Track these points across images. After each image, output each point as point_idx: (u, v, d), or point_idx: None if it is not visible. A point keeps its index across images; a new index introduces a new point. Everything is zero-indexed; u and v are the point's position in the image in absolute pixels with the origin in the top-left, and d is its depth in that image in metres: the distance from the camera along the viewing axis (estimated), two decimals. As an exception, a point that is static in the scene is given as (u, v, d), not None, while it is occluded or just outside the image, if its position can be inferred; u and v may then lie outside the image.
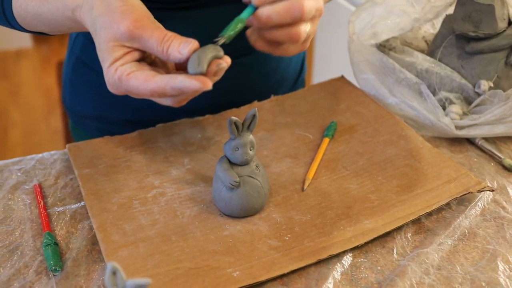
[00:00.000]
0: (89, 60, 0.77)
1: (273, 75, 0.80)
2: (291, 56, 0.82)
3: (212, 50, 0.48)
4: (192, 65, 0.47)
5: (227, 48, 0.73)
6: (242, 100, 0.74)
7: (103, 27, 0.49)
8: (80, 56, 0.78)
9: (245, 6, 0.68)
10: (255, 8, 0.52)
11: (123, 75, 0.48)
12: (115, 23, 0.48)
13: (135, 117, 0.77)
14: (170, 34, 0.48)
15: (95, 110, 0.79)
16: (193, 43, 0.48)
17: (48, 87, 2.42)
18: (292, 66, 0.84)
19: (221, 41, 0.50)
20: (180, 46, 0.47)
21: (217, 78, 0.49)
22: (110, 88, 0.49)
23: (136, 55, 0.49)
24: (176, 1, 0.68)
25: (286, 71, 0.83)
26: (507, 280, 0.50)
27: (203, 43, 0.70)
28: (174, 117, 0.71)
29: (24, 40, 2.68)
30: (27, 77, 2.51)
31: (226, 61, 0.49)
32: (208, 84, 0.47)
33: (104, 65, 0.49)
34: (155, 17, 0.69)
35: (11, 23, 0.60)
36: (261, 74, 0.78)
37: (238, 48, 0.73)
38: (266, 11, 0.50)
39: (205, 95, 0.75)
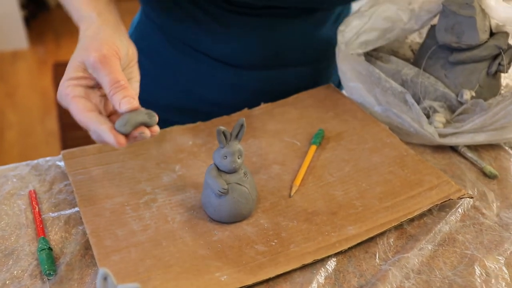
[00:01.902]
0: (147, 46, 0.81)
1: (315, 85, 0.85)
2: (330, 74, 0.89)
3: (144, 116, 0.52)
4: (119, 123, 0.52)
5: (295, 55, 0.79)
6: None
7: (82, 47, 0.54)
8: None
9: (309, 23, 0.75)
10: None
11: (69, 95, 0.53)
12: (89, 49, 0.53)
13: None
14: (122, 82, 0.52)
15: None
16: (132, 104, 0.52)
17: (44, 88, 2.43)
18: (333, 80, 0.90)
19: None
20: (122, 100, 0.52)
21: (139, 140, 0.54)
22: (58, 96, 0.54)
23: (91, 82, 0.54)
24: (244, 6, 0.72)
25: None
26: (483, 284, 0.53)
27: (260, 51, 0.73)
28: (185, 119, 0.75)
29: (20, 42, 2.69)
30: (23, 79, 2.52)
31: (153, 131, 0.53)
32: (122, 145, 0.51)
33: (64, 76, 0.54)
34: (223, 20, 0.74)
35: None
36: (307, 82, 0.83)
37: (298, 57, 0.79)
38: None
39: (254, 93, 0.80)
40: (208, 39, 0.77)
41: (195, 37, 0.78)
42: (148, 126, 0.53)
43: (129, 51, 0.57)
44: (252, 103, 0.78)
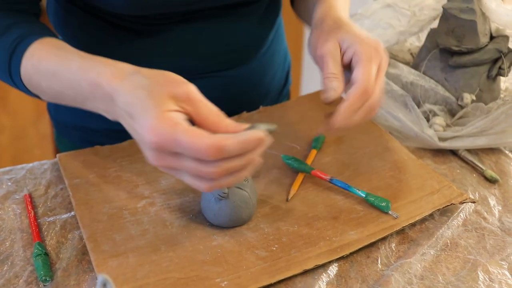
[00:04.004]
0: None
1: (257, 88, 0.82)
2: (275, 70, 0.84)
3: (266, 125, 0.50)
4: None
5: (214, 60, 0.74)
6: (226, 111, 0.75)
7: (159, 84, 0.47)
8: None
9: (231, 23, 0.70)
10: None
11: (181, 126, 0.45)
12: (172, 78, 0.47)
13: (119, 126, 0.77)
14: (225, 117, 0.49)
15: (79, 119, 0.79)
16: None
17: (37, 91, 2.40)
18: (277, 79, 0.85)
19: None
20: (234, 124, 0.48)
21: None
22: (153, 135, 0.45)
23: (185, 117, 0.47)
24: (162, 18, 0.69)
25: (270, 85, 0.84)
26: (487, 289, 0.52)
27: (181, 58, 0.70)
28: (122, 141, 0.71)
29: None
30: (16, 82, 2.49)
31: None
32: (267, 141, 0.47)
33: (156, 111, 0.45)
34: (135, 35, 0.69)
35: (15, 80, 0.60)
36: (245, 87, 0.79)
37: (224, 61, 0.75)
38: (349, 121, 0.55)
39: None
40: (129, 53, 0.71)
41: (114, 53, 0.68)
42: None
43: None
44: None
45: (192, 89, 0.48)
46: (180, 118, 0.46)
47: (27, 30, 0.59)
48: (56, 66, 0.55)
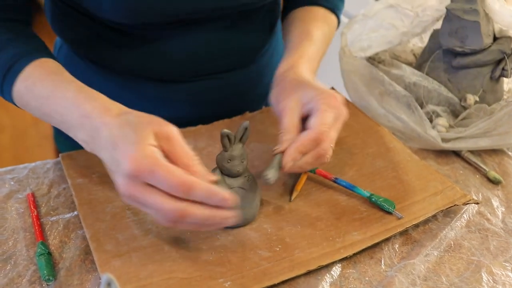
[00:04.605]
0: (71, 70, 0.77)
1: (257, 89, 0.82)
2: (274, 71, 0.84)
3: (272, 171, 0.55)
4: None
5: (213, 63, 0.74)
6: (226, 112, 0.75)
7: (144, 122, 0.51)
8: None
9: (228, 27, 0.69)
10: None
11: (159, 159, 0.48)
12: (157, 120, 0.51)
13: None
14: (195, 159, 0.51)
15: None
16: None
17: (38, 91, 2.40)
18: None
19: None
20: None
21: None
22: (132, 163, 0.47)
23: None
24: (166, 23, 0.69)
25: (270, 86, 0.84)
26: (491, 291, 0.52)
27: (181, 61, 0.70)
28: None
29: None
30: (17, 81, 2.49)
31: None
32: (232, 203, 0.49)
33: (139, 144, 0.48)
34: (134, 39, 0.70)
35: (5, 95, 0.61)
36: (245, 88, 0.79)
37: (223, 64, 0.75)
38: (297, 164, 0.56)
39: (192, 106, 0.76)
40: (128, 56, 0.72)
41: (113, 56, 0.72)
42: None
43: None
44: (187, 117, 0.75)
45: (174, 130, 0.51)
46: (159, 154, 0.49)
47: (23, 49, 0.60)
48: (50, 91, 0.57)
